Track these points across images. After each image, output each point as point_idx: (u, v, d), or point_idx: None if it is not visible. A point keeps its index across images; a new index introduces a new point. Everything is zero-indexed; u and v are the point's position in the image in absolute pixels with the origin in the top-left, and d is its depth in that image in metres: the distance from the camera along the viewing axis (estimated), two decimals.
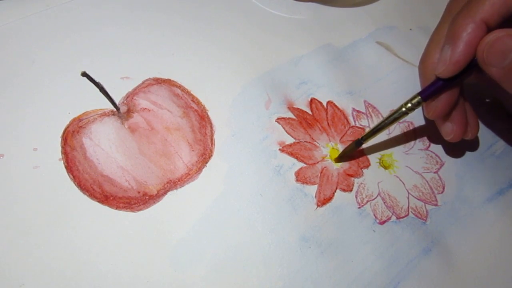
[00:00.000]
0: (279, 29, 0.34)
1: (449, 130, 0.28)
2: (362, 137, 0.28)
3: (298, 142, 0.29)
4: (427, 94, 0.26)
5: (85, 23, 0.31)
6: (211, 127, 0.29)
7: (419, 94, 0.26)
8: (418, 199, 0.30)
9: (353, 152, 0.29)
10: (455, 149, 0.32)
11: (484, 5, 0.23)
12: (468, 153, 0.32)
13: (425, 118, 0.33)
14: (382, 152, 0.31)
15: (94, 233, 0.24)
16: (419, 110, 0.33)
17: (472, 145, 0.33)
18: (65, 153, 0.26)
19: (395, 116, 0.26)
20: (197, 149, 0.27)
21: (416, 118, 0.33)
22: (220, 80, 0.30)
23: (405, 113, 0.26)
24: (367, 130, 0.29)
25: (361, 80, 0.34)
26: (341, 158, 0.29)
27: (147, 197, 0.26)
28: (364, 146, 0.31)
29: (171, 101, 0.29)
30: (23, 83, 0.28)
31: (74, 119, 0.27)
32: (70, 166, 0.25)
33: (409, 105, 0.26)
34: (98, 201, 0.25)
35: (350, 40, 0.35)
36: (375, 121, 0.32)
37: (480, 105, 0.33)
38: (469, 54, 0.24)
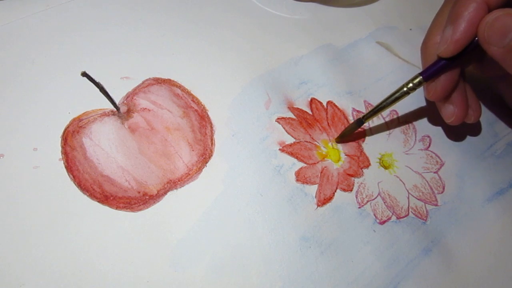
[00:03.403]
0: (279, 29, 0.34)
1: (450, 112, 0.28)
2: (363, 116, 0.28)
3: (298, 142, 0.29)
4: (428, 74, 0.26)
5: (85, 23, 0.31)
6: (211, 127, 0.29)
7: (420, 74, 0.26)
8: (418, 199, 0.30)
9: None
10: (455, 149, 0.32)
11: None
12: (468, 153, 0.32)
13: (426, 117, 0.33)
14: (382, 152, 0.31)
15: (94, 233, 0.24)
16: (420, 109, 0.33)
17: (472, 145, 0.33)
18: (65, 153, 0.26)
19: (396, 96, 0.27)
20: (197, 149, 0.27)
21: (416, 118, 0.33)
22: (220, 80, 0.30)
23: (406, 93, 0.27)
24: (369, 109, 0.29)
25: (361, 80, 0.34)
26: (341, 138, 0.30)
27: (147, 197, 0.26)
28: (365, 146, 0.31)
29: (171, 101, 0.29)
30: (23, 83, 0.28)
31: (74, 119, 0.27)
32: (70, 166, 0.25)
33: (410, 85, 0.26)
34: (98, 201, 0.25)
35: (350, 40, 0.35)
36: (375, 121, 0.32)
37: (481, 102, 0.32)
38: (470, 33, 0.24)
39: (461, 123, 0.29)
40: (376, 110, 0.27)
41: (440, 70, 0.26)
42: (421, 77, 0.26)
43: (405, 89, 0.26)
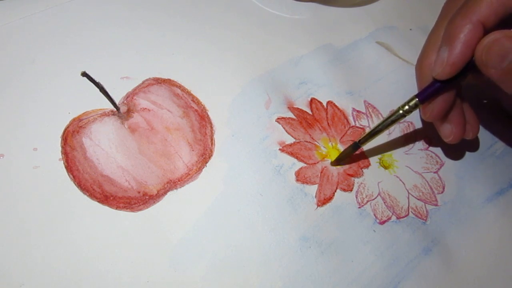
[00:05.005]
0: (279, 29, 0.34)
1: (448, 132, 0.28)
2: (360, 140, 0.28)
3: (298, 142, 0.29)
4: (424, 96, 0.26)
5: (85, 23, 0.31)
6: (211, 127, 0.29)
7: (416, 96, 0.26)
8: (418, 199, 0.30)
9: (351, 155, 0.29)
10: (455, 149, 0.32)
11: (481, 5, 0.23)
12: (468, 153, 0.32)
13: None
14: (382, 152, 0.31)
15: (94, 233, 0.24)
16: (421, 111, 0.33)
17: (472, 145, 0.33)
18: (65, 153, 0.26)
19: (393, 119, 0.26)
20: (197, 149, 0.27)
21: (416, 118, 0.33)
22: (220, 80, 0.30)
23: (403, 116, 0.26)
24: (365, 132, 0.29)
25: (361, 80, 0.34)
26: (338, 161, 0.29)
27: (147, 197, 0.26)
28: (364, 146, 0.31)
29: (171, 101, 0.29)
30: (23, 83, 0.28)
31: (74, 119, 0.27)
32: (70, 166, 0.25)
33: (406, 107, 0.26)
34: (98, 201, 0.25)
35: (350, 40, 0.35)
36: (375, 121, 0.32)
37: (479, 105, 0.33)
38: (466, 55, 0.24)
39: (460, 141, 0.28)
40: (373, 133, 0.27)
41: (436, 92, 0.26)
42: (417, 99, 0.26)
43: (401, 111, 0.26)
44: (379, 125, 0.27)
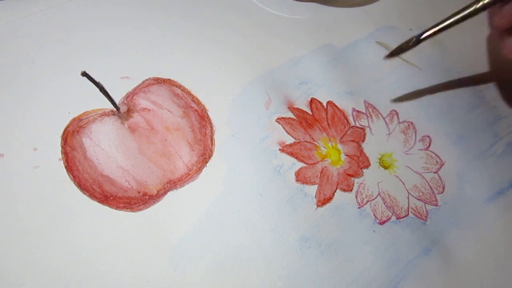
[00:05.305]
0: (279, 29, 0.34)
1: None
2: (424, 32, 0.25)
3: (298, 142, 0.29)
4: None
5: (85, 23, 0.31)
6: (211, 127, 0.29)
7: None
8: (418, 199, 0.30)
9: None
10: (455, 149, 0.32)
11: None
12: (468, 153, 0.32)
13: (426, 117, 0.33)
14: (382, 152, 0.31)
15: (94, 233, 0.24)
16: (420, 109, 0.33)
17: (472, 145, 0.33)
18: (65, 153, 0.26)
19: (470, 11, 0.25)
20: (197, 149, 0.27)
21: (416, 118, 0.33)
22: (220, 80, 0.30)
23: (478, 11, 0.25)
24: (431, 26, 0.26)
25: (361, 80, 0.34)
26: (392, 55, 0.28)
27: (147, 197, 0.26)
28: (364, 146, 0.31)
29: (171, 101, 0.29)
30: (23, 83, 0.28)
31: (74, 119, 0.27)
32: (70, 166, 0.25)
33: (484, 1, 0.24)
34: (98, 201, 0.25)
35: (350, 40, 0.35)
36: (375, 121, 0.32)
37: (480, 105, 0.33)
38: None
39: None
40: (443, 28, 0.25)
41: None
42: None
43: (478, 5, 0.24)
44: (450, 17, 0.25)
